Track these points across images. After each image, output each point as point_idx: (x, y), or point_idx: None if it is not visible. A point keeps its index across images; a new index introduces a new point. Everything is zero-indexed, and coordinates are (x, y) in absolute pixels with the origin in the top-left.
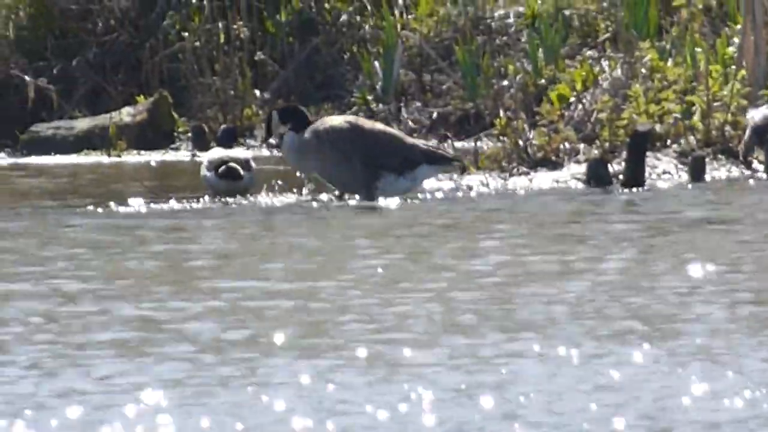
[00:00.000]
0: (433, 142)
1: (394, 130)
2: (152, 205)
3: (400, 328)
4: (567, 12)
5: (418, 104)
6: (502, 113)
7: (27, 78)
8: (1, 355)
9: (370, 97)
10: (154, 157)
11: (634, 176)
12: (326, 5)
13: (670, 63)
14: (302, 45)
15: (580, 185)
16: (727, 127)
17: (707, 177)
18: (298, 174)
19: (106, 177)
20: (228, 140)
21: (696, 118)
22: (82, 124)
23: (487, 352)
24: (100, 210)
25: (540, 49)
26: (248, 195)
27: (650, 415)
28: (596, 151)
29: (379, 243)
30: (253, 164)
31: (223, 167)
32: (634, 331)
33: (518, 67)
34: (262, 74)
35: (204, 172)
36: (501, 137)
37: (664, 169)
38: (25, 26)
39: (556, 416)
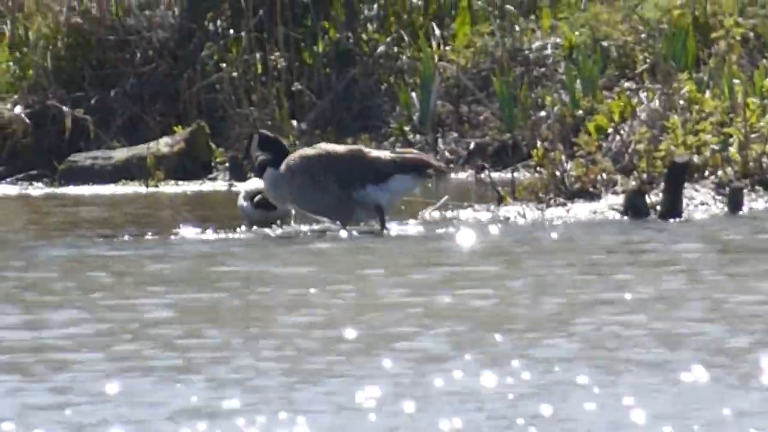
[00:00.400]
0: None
1: (362, 147)
2: (193, 235)
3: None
4: (605, 43)
5: (455, 135)
6: (539, 144)
7: (65, 108)
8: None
9: (407, 128)
10: (191, 187)
11: (672, 207)
12: (364, 36)
13: (707, 95)
14: (339, 76)
15: (618, 216)
16: (765, 159)
17: (745, 208)
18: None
19: (144, 207)
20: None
21: (733, 149)
22: (120, 154)
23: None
24: (142, 238)
25: (578, 81)
26: (282, 223)
27: None
28: (634, 182)
29: (433, 272)
30: None
31: (259, 197)
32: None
33: (556, 98)
34: (299, 105)
35: (241, 201)
36: (538, 168)
37: (701, 201)
38: (63, 57)
39: None
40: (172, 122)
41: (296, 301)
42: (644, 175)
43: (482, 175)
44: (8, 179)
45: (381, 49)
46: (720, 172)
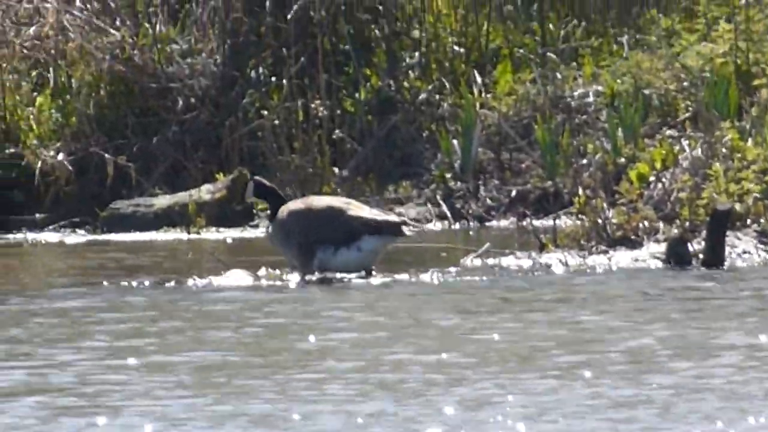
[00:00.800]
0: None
1: (341, 203)
2: (235, 281)
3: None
4: (647, 91)
5: (497, 182)
6: (581, 192)
7: (107, 155)
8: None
9: (448, 175)
10: (232, 234)
11: (714, 255)
12: (405, 84)
13: (750, 143)
14: (381, 123)
15: (660, 264)
16: None
17: None
18: None
19: (185, 253)
20: None
21: None
22: (162, 201)
23: None
24: (185, 284)
25: (619, 128)
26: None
27: None
28: (676, 230)
29: (480, 318)
30: None
31: None
32: None
33: (597, 145)
34: (340, 152)
35: None
36: (580, 215)
37: (744, 249)
38: (105, 104)
39: None
40: (213, 169)
41: (357, 344)
42: (686, 223)
43: (524, 223)
44: (51, 226)
45: (422, 96)
46: (762, 220)
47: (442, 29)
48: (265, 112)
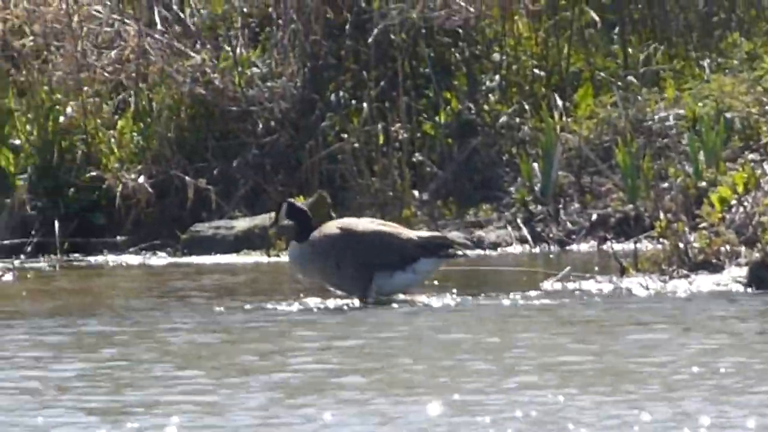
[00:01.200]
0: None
1: (389, 228)
2: (315, 303)
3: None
4: (728, 114)
5: (578, 206)
6: (662, 215)
7: (187, 178)
8: None
9: (528, 198)
10: None
11: None
12: (485, 107)
13: None
14: (461, 146)
15: (741, 288)
16: None
17: None
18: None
19: (265, 276)
20: None
21: None
22: (242, 224)
23: None
24: (266, 307)
25: (701, 152)
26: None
27: None
28: (757, 254)
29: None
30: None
31: None
32: None
33: (679, 169)
34: (420, 175)
35: None
36: (661, 239)
37: None
38: (186, 127)
39: None
40: (293, 192)
41: (462, 367)
42: None
43: (604, 246)
44: (132, 248)
45: (503, 119)
46: None
47: (523, 52)
48: (345, 135)
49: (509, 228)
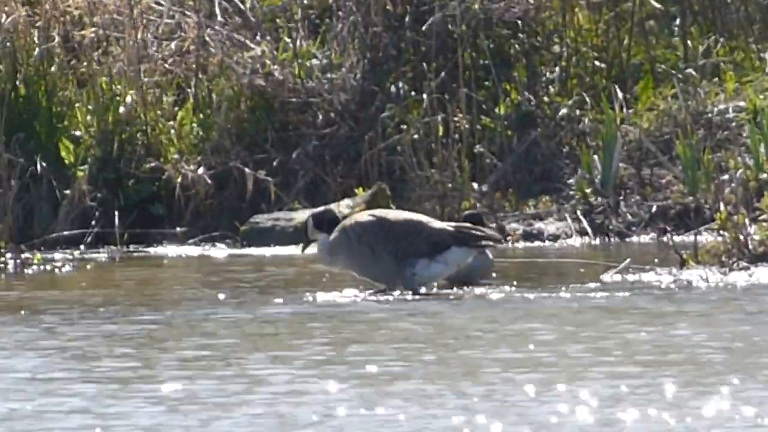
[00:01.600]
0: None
1: (420, 216)
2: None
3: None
4: None
5: (638, 198)
6: (722, 207)
7: (247, 170)
8: None
9: (588, 191)
10: None
11: None
12: (545, 99)
13: None
14: (521, 138)
15: None
16: None
17: None
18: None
19: (323, 267)
20: None
21: None
22: (301, 215)
23: None
24: (320, 300)
25: (761, 144)
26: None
27: None
28: None
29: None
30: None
31: None
32: None
33: (739, 161)
34: (480, 167)
35: None
36: (721, 231)
37: None
38: (245, 118)
39: None
40: (353, 184)
41: (527, 360)
42: None
43: (664, 238)
44: (191, 240)
45: (563, 111)
46: None
47: (583, 44)
48: (405, 127)
49: (569, 220)
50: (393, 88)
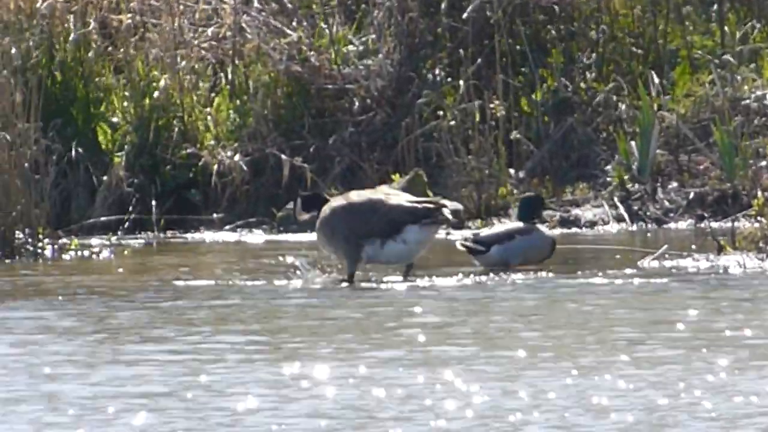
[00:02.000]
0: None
1: (380, 195)
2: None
3: None
4: None
5: (675, 184)
6: (760, 194)
7: (283, 156)
8: None
9: (625, 177)
10: None
11: None
12: (582, 85)
13: None
14: (557, 124)
15: None
16: None
17: None
18: None
19: None
20: (528, 213)
21: None
22: None
23: None
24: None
25: None
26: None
27: None
28: None
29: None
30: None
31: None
32: None
33: None
34: (517, 153)
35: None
36: (759, 218)
37: None
38: (282, 105)
39: None
40: (389, 170)
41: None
42: None
43: (702, 225)
44: (227, 226)
45: (600, 97)
46: None
47: (619, 30)
48: (441, 113)
49: (606, 206)
50: (429, 75)
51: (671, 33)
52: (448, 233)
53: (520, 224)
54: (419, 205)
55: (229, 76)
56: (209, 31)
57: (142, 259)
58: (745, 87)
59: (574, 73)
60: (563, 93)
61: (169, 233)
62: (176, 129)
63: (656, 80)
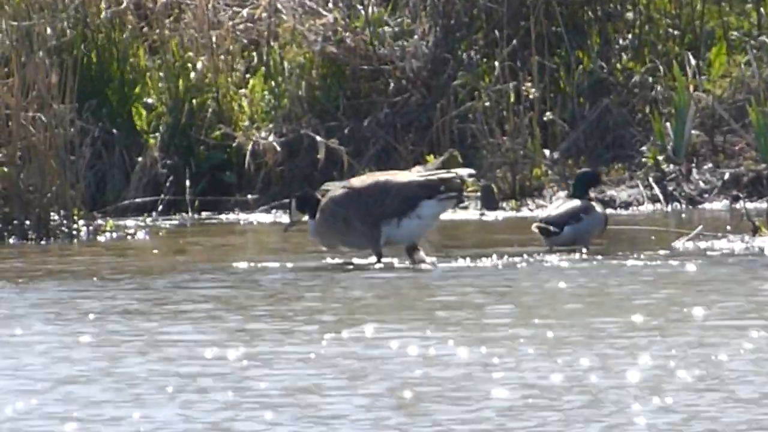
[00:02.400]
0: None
1: (388, 175)
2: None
3: None
4: None
5: (710, 165)
6: None
7: (318, 138)
8: None
9: (660, 158)
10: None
11: None
12: (618, 66)
13: None
14: (593, 105)
15: None
16: None
17: None
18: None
19: None
20: (584, 189)
21: None
22: None
23: None
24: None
25: None
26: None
27: None
28: None
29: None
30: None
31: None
32: None
33: None
34: (551, 134)
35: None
36: None
37: None
38: (317, 86)
39: None
40: (424, 151)
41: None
42: None
43: (737, 206)
44: (262, 207)
45: (635, 78)
46: None
47: (656, 11)
48: (476, 94)
49: (641, 187)
50: (465, 56)
51: (707, 14)
52: (482, 213)
53: (578, 202)
54: (433, 177)
55: (264, 57)
56: (244, 12)
57: (179, 239)
58: None
59: (610, 54)
60: (599, 74)
61: (203, 214)
62: (211, 110)
63: (692, 61)
